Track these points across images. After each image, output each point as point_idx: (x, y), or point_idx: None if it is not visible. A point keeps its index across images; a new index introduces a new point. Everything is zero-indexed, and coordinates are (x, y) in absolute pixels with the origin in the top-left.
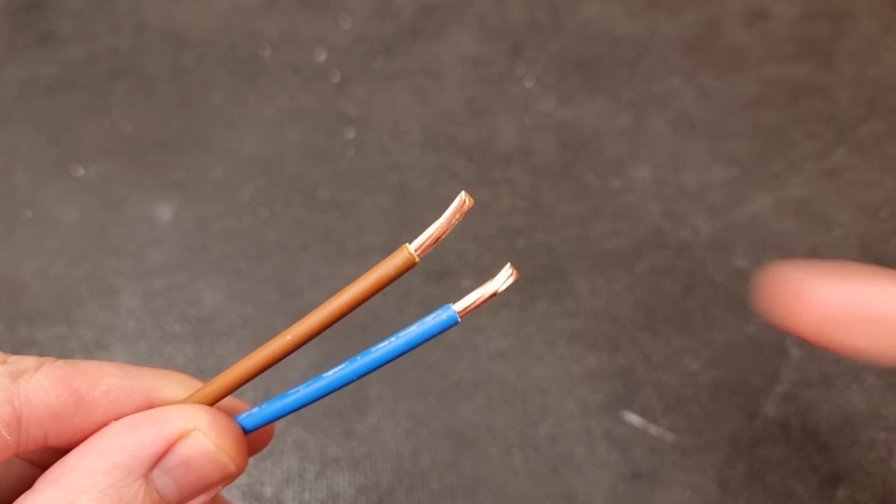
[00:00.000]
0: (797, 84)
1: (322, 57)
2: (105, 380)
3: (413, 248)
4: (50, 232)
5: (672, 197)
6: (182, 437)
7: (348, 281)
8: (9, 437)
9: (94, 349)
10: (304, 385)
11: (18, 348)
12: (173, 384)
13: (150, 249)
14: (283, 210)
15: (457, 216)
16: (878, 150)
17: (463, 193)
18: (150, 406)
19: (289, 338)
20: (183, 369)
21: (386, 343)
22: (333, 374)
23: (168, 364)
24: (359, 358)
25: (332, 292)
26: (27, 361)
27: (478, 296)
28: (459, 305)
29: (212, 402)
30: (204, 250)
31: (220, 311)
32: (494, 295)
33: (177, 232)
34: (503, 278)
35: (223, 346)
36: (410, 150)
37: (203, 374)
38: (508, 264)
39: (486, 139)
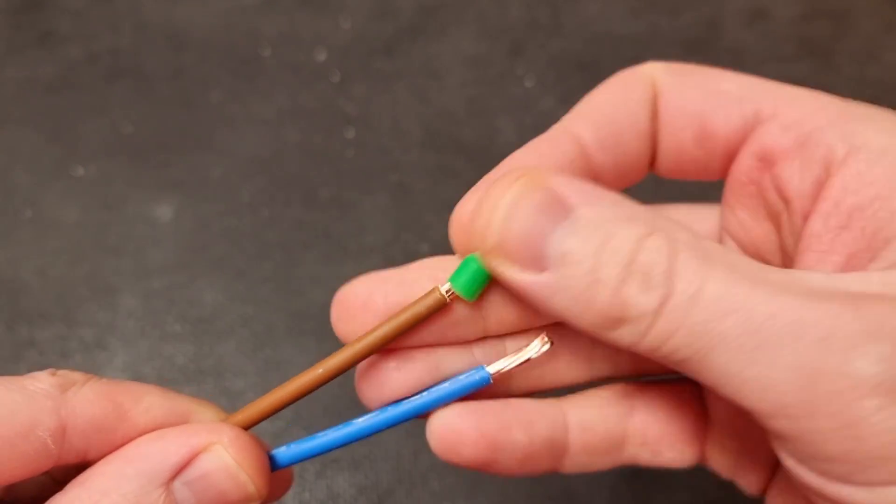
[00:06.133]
0: (798, 84)
1: (322, 57)
2: (147, 398)
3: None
4: (50, 232)
5: (672, 197)
6: (204, 450)
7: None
8: (53, 446)
9: (93, 349)
10: (334, 429)
11: (18, 348)
12: (210, 411)
13: (149, 249)
14: (283, 210)
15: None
16: None
17: (545, 338)
18: None
19: (320, 371)
20: (182, 369)
21: (417, 397)
22: (363, 422)
23: (167, 364)
24: (389, 409)
25: (333, 292)
26: (75, 376)
27: (511, 361)
28: (493, 368)
29: (244, 429)
30: (204, 250)
31: (220, 311)
32: (527, 362)
33: (177, 232)
34: (537, 347)
35: (223, 346)
36: (410, 150)
37: (203, 374)
38: (544, 334)
39: (486, 139)
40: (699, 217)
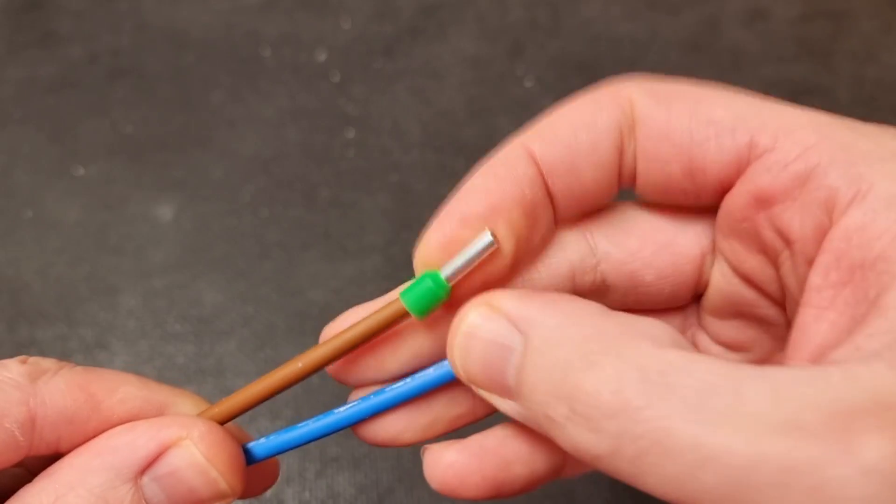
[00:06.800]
0: (797, 84)
1: (322, 57)
2: (122, 388)
3: (444, 276)
4: (50, 231)
5: None
6: (173, 445)
7: (348, 280)
8: (21, 439)
9: (94, 349)
10: (314, 419)
11: (18, 348)
12: (189, 402)
13: (150, 249)
14: (283, 210)
15: (481, 258)
16: None
17: (487, 233)
18: None
19: (300, 365)
20: (183, 369)
21: (401, 384)
22: (345, 411)
23: (168, 364)
24: (372, 397)
25: (333, 292)
26: (46, 363)
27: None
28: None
29: (222, 422)
30: (204, 250)
31: (220, 311)
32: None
33: (177, 232)
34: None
35: (223, 346)
36: (410, 150)
37: (203, 374)
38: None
39: (486, 139)
40: (691, 234)
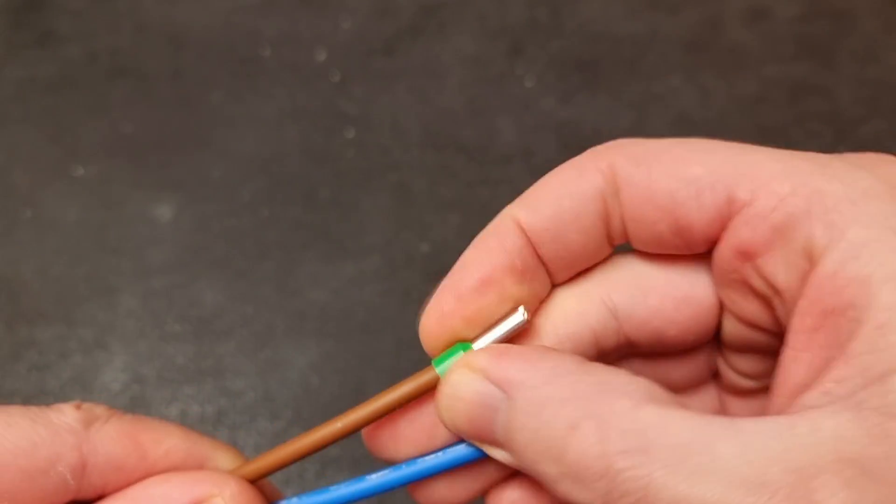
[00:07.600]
0: (798, 84)
1: (322, 56)
2: (168, 440)
3: (475, 347)
4: (49, 231)
5: None
6: (205, 502)
7: (348, 280)
8: (72, 482)
9: (93, 349)
10: (346, 484)
11: (18, 348)
12: (227, 456)
13: (149, 249)
14: (283, 210)
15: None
16: (879, 150)
17: (522, 311)
18: None
19: (339, 425)
20: (182, 369)
21: (433, 457)
22: (377, 479)
23: (167, 364)
24: (404, 467)
25: (332, 292)
26: (99, 410)
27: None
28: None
29: (256, 478)
30: (204, 250)
31: (220, 311)
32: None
33: (177, 232)
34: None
35: (223, 346)
36: (410, 149)
37: (203, 374)
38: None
39: (486, 139)
40: (705, 283)
